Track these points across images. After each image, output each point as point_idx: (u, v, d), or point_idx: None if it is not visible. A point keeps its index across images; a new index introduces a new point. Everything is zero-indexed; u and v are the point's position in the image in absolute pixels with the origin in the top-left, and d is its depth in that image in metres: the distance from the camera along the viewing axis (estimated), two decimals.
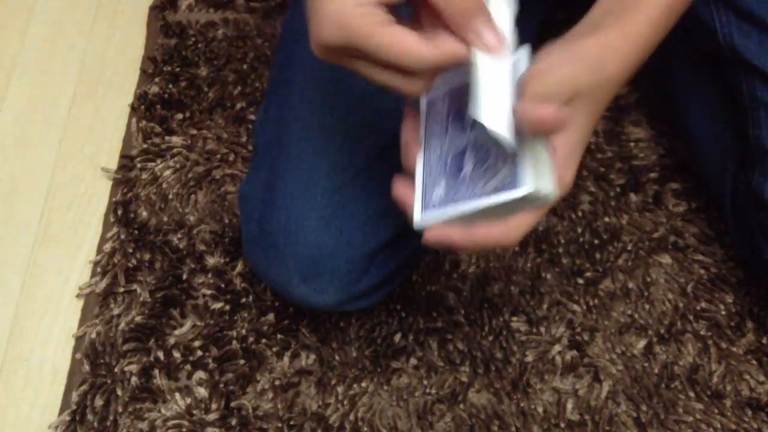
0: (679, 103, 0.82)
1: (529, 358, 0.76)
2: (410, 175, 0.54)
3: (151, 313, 0.79)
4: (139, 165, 0.89)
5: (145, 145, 0.90)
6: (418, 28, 0.47)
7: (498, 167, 0.50)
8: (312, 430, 0.73)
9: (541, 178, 0.49)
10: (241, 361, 0.76)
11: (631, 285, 0.80)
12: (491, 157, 0.51)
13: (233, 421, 0.74)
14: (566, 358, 0.77)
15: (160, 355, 0.77)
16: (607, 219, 0.84)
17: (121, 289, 0.81)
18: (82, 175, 0.90)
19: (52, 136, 0.93)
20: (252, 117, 0.92)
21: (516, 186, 0.48)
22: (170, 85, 0.95)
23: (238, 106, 0.93)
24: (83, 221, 0.87)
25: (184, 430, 0.73)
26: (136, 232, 0.84)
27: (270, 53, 0.96)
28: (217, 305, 0.79)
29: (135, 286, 0.81)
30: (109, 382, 0.76)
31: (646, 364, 0.76)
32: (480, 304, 0.79)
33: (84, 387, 0.76)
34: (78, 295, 0.82)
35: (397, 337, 0.78)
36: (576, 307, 0.79)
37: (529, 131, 0.48)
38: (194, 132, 0.91)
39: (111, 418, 0.74)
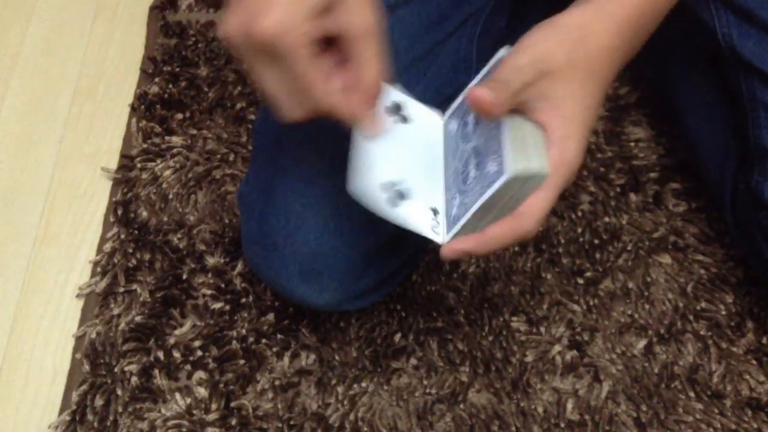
0: (679, 103, 0.82)
1: (529, 358, 0.76)
2: None
3: (151, 313, 0.79)
4: (139, 165, 0.89)
5: (145, 145, 0.90)
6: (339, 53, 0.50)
7: (488, 163, 0.51)
8: (312, 430, 0.73)
9: (530, 157, 0.49)
10: (241, 361, 0.76)
11: (631, 285, 0.80)
12: (484, 157, 0.52)
13: (233, 421, 0.74)
14: (566, 358, 0.76)
15: (160, 355, 0.77)
16: (607, 219, 0.84)
17: (121, 289, 0.81)
18: (82, 175, 0.90)
19: (52, 136, 0.93)
20: (252, 117, 0.92)
21: (502, 173, 0.49)
22: (170, 85, 0.95)
23: (238, 106, 0.93)
24: (83, 221, 0.87)
25: (184, 430, 0.73)
26: (136, 232, 0.84)
27: None
28: (217, 305, 0.79)
29: (135, 286, 0.81)
30: (109, 382, 0.76)
31: (646, 364, 0.76)
32: (480, 304, 0.79)
33: (84, 387, 0.76)
34: (78, 295, 0.82)
35: (397, 337, 0.78)
36: (576, 307, 0.79)
37: (475, 112, 0.51)
38: (194, 132, 0.91)
39: (111, 418, 0.74)
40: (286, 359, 0.77)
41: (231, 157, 0.89)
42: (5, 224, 0.87)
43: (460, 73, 0.68)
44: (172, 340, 0.78)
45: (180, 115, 0.92)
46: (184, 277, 0.81)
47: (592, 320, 0.79)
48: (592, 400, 0.74)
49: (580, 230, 0.84)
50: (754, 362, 0.77)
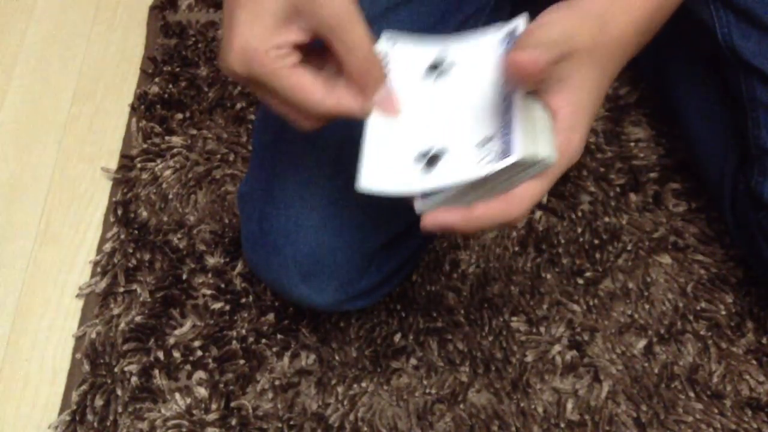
0: (679, 103, 0.82)
1: (529, 358, 0.76)
2: None
3: (151, 313, 0.79)
4: (139, 165, 0.89)
5: (145, 145, 0.90)
6: (326, 63, 0.49)
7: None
8: (312, 430, 0.73)
9: (538, 142, 0.47)
10: (241, 361, 0.76)
11: (631, 285, 0.80)
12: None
13: (233, 421, 0.74)
14: (566, 358, 0.77)
15: (160, 355, 0.77)
16: (607, 219, 0.84)
17: (121, 289, 0.81)
18: (82, 175, 0.90)
19: (52, 136, 0.93)
20: (252, 117, 0.92)
21: (508, 153, 0.46)
22: (170, 85, 0.95)
23: (238, 106, 0.93)
24: (83, 221, 0.87)
25: (184, 430, 0.73)
26: (136, 232, 0.84)
27: None
28: (217, 305, 0.79)
29: (135, 286, 0.81)
30: (109, 382, 0.76)
31: (646, 364, 0.76)
32: (480, 304, 0.79)
33: (84, 387, 0.76)
34: (78, 295, 0.82)
35: (397, 337, 0.78)
36: (576, 307, 0.79)
37: (510, 80, 0.46)
38: (194, 132, 0.91)
39: (111, 418, 0.74)
40: (286, 359, 0.77)
41: (231, 157, 0.89)
42: (5, 224, 0.87)
43: None
44: (172, 340, 0.78)
45: (180, 115, 0.92)
46: (184, 277, 0.81)
47: (592, 320, 0.79)
48: (592, 400, 0.74)
49: (580, 230, 0.84)
50: (754, 362, 0.77)
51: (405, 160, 0.50)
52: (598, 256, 0.82)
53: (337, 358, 0.77)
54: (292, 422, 0.73)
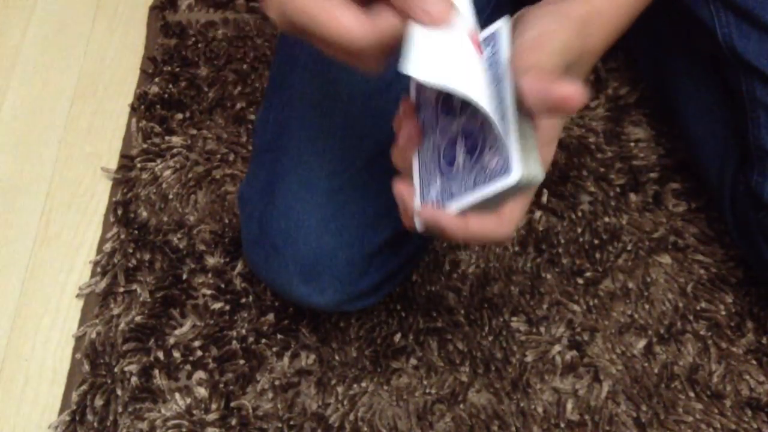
0: (679, 104, 0.82)
1: (529, 358, 0.76)
2: (408, 174, 0.53)
3: (151, 313, 0.79)
4: (139, 165, 0.89)
5: (145, 145, 0.90)
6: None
7: (487, 154, 0.47)
8: (312, 430, 0.73)
9: (536, 162, 0.45)
10: (241, 361, 0.76)
11: (631, 285, 0.80)
12: (479, 143, 0.47)
13: (233, 421, 0.74)
14: (566, 358, 0.77)
15: (160, 355, 0.77)
16: (607, 219, 0.84)
17: (121, 289, 0.81)
18: (82, 175, 0.90)
19: (52, 136, 0.93)
20: (252, 117, 0.92)
21: (507, 172, 0.45)
22: (170, 85, 0.95)
23: (238, 106, 0.93)
24: (83, 221, 0.87)
25: (184, 430, 0.73)
26: (136, 232, 0.84)
27: (270, 53, 0.96)
28: (217, 305, 0.79)
29: (135, 286, 0.81)
30: (109, 382, 0.76)
31: (646, 364, 0.76)
32: (480, 304, 0.79)
33: (84, 387, 0.76)
34: (78, 295, 0.82)
35: (397, 337, 0.78)
36: (576, 307, 0.79)
37: (543, 112, 0.43)
38: (194, 132, 0.91)
39: (111, 418, 0.74)
40: (286, 359, 0.77)
41: (231, 157, 0.89)
42: (5, 224, 0.87)
43: None
44: (172, 340, 0.78)
45: (180, 115, 0.92)
46: (184, 277, 0.81)
47: (592, 320, 0.79)
48: (592, 400, 0.75)
49: (580, 230, 0.84)
50: (754, 362, 0.77)
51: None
52: (598, 256, 0.82)
53: (337, 358, 0.77)
54: (292, 422, 0.73)
